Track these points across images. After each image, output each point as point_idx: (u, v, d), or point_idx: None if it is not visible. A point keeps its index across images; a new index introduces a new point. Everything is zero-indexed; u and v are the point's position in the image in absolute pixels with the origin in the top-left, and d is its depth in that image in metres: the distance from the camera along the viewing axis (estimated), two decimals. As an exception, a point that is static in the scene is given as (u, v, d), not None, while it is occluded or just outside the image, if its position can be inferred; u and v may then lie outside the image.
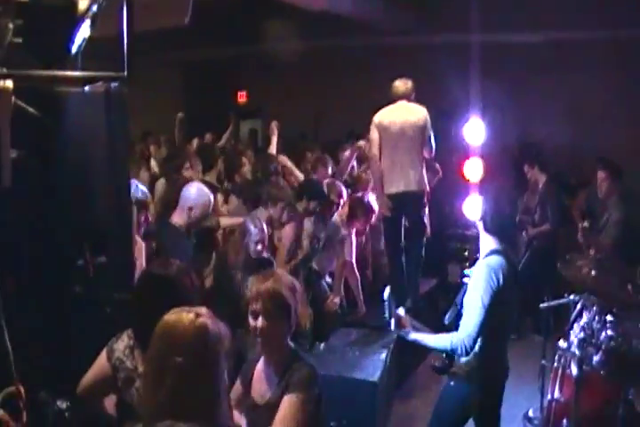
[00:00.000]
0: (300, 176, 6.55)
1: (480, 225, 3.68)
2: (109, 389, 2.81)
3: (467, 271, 3.89)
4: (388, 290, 3.80)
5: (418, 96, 6.32)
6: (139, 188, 4.47)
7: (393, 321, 3.74)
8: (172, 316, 2.14)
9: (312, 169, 6.91)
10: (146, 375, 2.17)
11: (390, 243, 6.26)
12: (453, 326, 3.61)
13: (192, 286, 2.81)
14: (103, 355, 2.81)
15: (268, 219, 4.90)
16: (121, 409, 2.76)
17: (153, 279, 2.82)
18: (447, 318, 3.72)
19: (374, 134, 5.94)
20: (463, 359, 3.59)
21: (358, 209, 5.78)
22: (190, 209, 4.38)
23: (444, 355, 3.68)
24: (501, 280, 3.47)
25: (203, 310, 2.17)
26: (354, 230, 5.88)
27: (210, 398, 2.06)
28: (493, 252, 3.60)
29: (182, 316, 2.11)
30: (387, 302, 3.75)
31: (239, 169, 6.61)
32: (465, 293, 3.60)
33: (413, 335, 3.71)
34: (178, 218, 4.43)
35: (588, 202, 7.40)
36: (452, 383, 3.68)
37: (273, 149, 6.63)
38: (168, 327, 2.10)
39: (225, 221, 5.33)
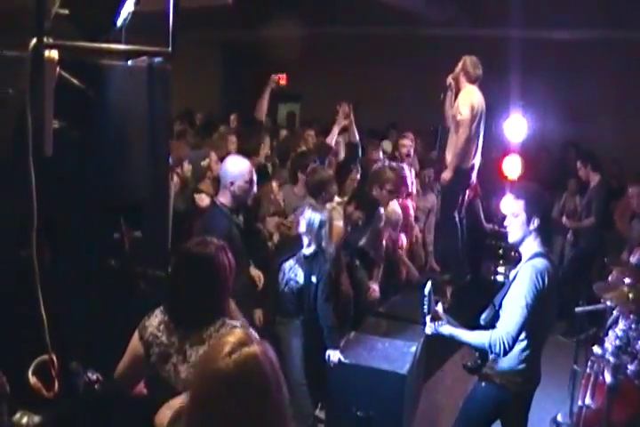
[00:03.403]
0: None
1: (524, 227, 3.53)
2: (144, 369, 2.80)
3: (500, 269, 3.81)
4: (429, 285, 3.67)
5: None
6: None
7: (429, 317, 3.65)
8: (217, 348, 1.77)
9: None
10: (189, 418, 1.79)
11: (453, 214, 6.64)
12: (490, 328, 3.52)
13: (229, 265, 2.80)
14: (135, 335, 2.80)
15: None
16: (157, 386, 2.75)
17: (189, 257, 2.80)
18: (484, 319, 3.63)
19: (470, 114, 6.26)
20: (498, 362, 3.52)
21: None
22: (232, 184, 4.29)
23: (477, 355, 3.62)
24: (547, 283, 3.41)
25: (240, 331, 1.86)
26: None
27: None
28: (538, 254, 3.53)
29: (240, 349, 1.75)
30: (427, 298, 3.63)
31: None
32: (505, 294, 3.52)
33: (450, 330, 3.64)
34: (223, 198, 4.37)
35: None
36: (482, 384, 3.62)
37: (332, 140, 6.28)
38: (219, 365, 1.73)
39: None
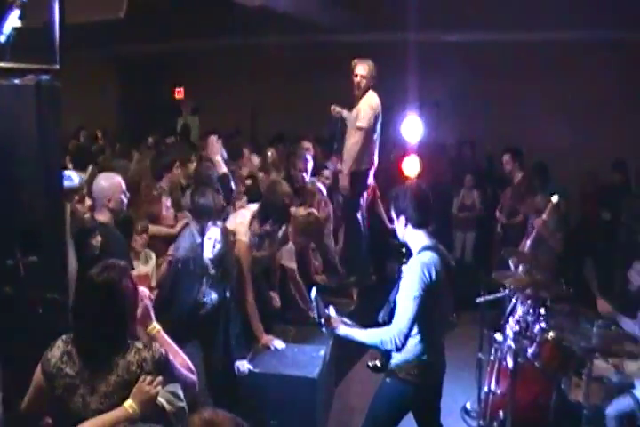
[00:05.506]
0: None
1: (403, 221, 3.60)
2: (47, 402, 2.70)
3: (404, 268, 3.86)
4: (314, 291, 3.72)
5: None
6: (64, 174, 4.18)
7: (323, 321, 3.68)
8: None
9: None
10: None
11: (357, 216, 6.73)
12: (388, 324, 3.54)
13: (134, 288, 2.74)
14: (38, 369, 2.69)
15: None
16: (65, 418, 2.63)
17: (93, 286, 2.67)
18: (381, 316, 3.67)
19: (371, 124, 6.38)
20: (398, 357, 3.56)
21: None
22: (109, 200, 4.25)
23: (381, 354, 3.64)
24: (434, 276, 3.43)
25: None
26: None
27: None
28: (426, 248, 3.56)
29: None
30: (314, 303, 3.68)
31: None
32: (398, 290, 3.54)
33: (343, 331, 3.65)
34: (102, 216, 4.27)
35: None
36: (387, 380, 3.65)
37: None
38: None
39: (153, 229, 5.21)
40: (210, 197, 4.94)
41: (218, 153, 6.07)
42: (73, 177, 4.18)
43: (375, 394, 3.72)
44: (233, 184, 5.92)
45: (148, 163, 6.55)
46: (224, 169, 5.95)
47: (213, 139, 6.21)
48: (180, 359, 2.91)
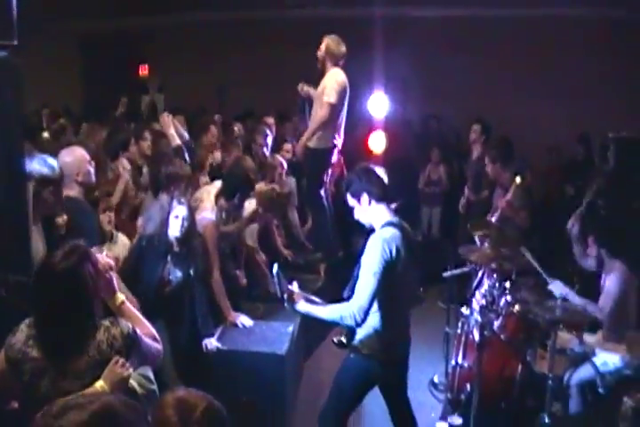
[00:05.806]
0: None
1: (366, 199, 3.59)
2: (13, 386, 2.66)
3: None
4: (276, 267, 3.70)
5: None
6: (47, 162, 4.15)
7: (286, 296, 3.67)
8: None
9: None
10: None
11: (319, 193, 6.70)
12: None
13: (94, 270, 2.67)
14: (1, 356, 2.64)
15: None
16: (33, 401, 2.55)
17: (53, 274, 2.59)
18: (346, 292, 3.65)
19: (337, 99, 6.31)
20: (361, 332, 3.57)
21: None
22: (78, 173, 4.17)
23: (346, 329, 3.63)
24: (394, 252, 3.43)
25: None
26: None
27: None
28: (388, 224, 3.56)
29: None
30: (276, 279, 3.66)
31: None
32: (361, 265, 3.54)
33: (303, 307, 3.65)
34: (72, 191, 4.18)
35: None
36: (351, 356, 3.66)
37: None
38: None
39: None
40: (176, 164, 4.92)
41: (170, 127, 6.03)
42: (55, 166, 4.11)
43: (340, 369, 3.74)
44: (187, 156, 5.83)
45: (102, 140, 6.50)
46: (177, 141, 5.91)
47: (164, 114, 6.18)
48: (146, 329, 2.89)
